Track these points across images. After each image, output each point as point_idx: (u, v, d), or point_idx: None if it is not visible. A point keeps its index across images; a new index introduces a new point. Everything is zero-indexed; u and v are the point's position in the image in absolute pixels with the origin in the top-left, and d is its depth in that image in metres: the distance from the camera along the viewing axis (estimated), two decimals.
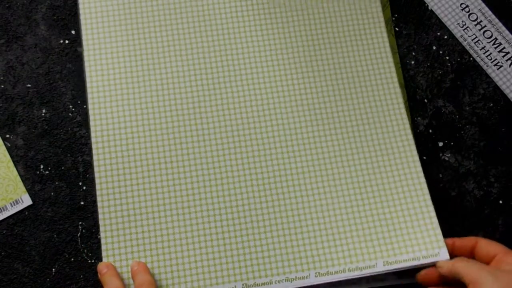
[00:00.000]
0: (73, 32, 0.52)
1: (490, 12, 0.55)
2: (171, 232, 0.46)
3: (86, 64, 0.49)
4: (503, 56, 0.54)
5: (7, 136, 0.49)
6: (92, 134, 0.47)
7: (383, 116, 0.50)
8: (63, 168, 0.49)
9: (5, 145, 0.49)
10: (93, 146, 0.47)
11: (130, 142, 0.47)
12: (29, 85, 0.50)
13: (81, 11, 0.50)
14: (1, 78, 0.50)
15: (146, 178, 0.47)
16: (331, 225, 0.47)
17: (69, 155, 0.49)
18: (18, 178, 0.48)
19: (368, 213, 0.47)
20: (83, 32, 0.50)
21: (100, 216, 0.46)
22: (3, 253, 0.47)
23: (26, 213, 0.48)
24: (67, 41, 0.51)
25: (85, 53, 0.49)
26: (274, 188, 0.47)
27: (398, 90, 0.50)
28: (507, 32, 0.54)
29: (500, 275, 0.40)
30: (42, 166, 0.49)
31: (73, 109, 0.50)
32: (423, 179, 0.48)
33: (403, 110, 0.50)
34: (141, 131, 0.48)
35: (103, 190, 0.46)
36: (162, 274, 0.45)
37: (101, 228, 0.45)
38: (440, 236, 0.46)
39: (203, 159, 0.48)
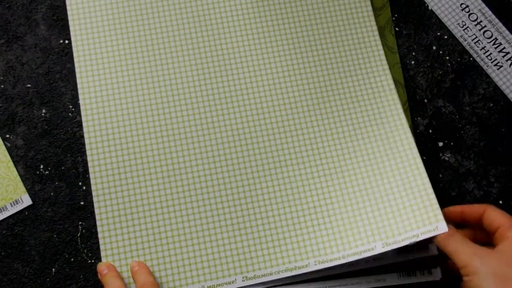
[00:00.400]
0: None
1: (490, 12, 0.55)
2: (168, 229, 0.46)
3: (76, 64, 0.49)
4: (503, 56, 0.54)
5: (7, 136, 0.49)
6: (86, 135, 0.47)
7: (373, 98, 0.50)
8: (63, 168, 0.49)
9: (5, 145, 0.49)
10: (87, 146, 0.47)
11: (124, 141, 0.48)
12: (29, 85, 0.50)
13: (69, 12, 0.50)
14: (1, 78, 0.50)
15: (141, 176, 0.47)
16: (329, 213, 0.47)
17: (69, 155, 0.49)
18: (18, 178, 0.48)
19: (365, 198, 0.47)
20: (72, 32, 0.50)
21: (97, 217, 0.46)
22: (3, 253, 0.47)
23: (26, 213, 0.48)
24: (67, 41, 0.51)
25: (75, 54, 0.49)
26: (270, 180, 0.47)
27: (385, 63, 0.51)
28: (507, 32, 0.54)
29: (490, 257, 0.39)
30: (42, 166, 0.49)
31: (73, 109, 0.50)
32: (417, 154, 0.47)
33: (392, 86, 0.50)
34: (134, 129, 0.48)
35: (98, 190, 0.46)
36: (162, 271, 0.45)
37: (99, 228, 0.45)
38: (438, 210, 0.44)
39: (198, 155, 0.48)
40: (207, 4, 0.51)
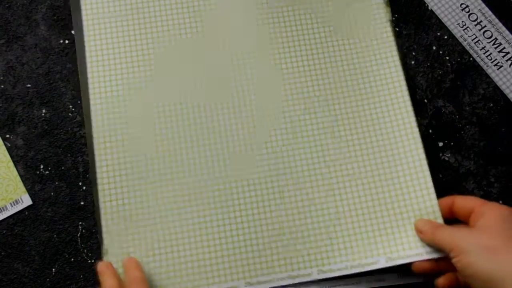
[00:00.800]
0: (73, 32, 0.52)
1: (490, 12, 0.55)
2: (173, 231, 0.46)
3: (88, 63, 0.49)
4: (503, 56, 0.54)
5: (7, 136, 0.49)
6: (94, 135, 0.47)
7: (386, 111, 0.49)
8: (63, 168, 0.49)
9: (5, 145, 0.49)
10: (95, 146, 0.47)
11: (131, 142, 0.47)
12: (29, 85, 0.50)
13: (83, 11, 0.50)
14: (1, 78, 0.50)
15: (150, 177, 0.47)
16: (333, 223, 0.46)
17: (69, 155, 0.49)
18: (18, 178, 0.48)
19: (371, 210, 0.47)
20: (85, 32, 0.50)
21: (103, 217, 0.45)
22: (3, 253, 0.47)
23: (26, 213, 0.48)
24: (67, 41, 0.51)
25: (88, 53, 0.49)
26: (277, 186, 0.47)
27: (403, 83, 0.50)
28: (507, 32, 0.54)
29: (474, 235, 0.40)
30: (42, 166, 0.49)
31: (73, 109, 0.50)
32: (427, 174, 0.47)
33: (409, 106, 0.49)
34: (140, 131, 0.48)
35: (105, 190, 0.46)
36: (163, 274, 0.45)
37: (104, 229, 0.45)
38: None
39: (202, 158, 0.47)
40: (216, 7, 0.51)
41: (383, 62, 0.51)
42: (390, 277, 0.47)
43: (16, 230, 0.48)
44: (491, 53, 0.54)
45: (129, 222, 0.45)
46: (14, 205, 0.48)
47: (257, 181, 0.47)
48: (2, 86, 0.50)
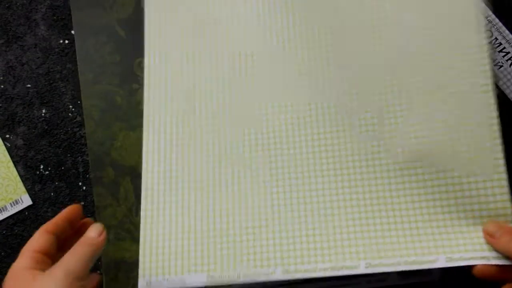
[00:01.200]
0: (73, 32, 0.52)
1: (490, 12, 0.55)
2: (217, 214, 0.44)
3: (146, 75, 0.47)
4: (503, 56, 0.54)
5: (7, 136, 0.49)
6: (144, 146, 0.45)
7: (467, 104, 0.44)
8: (63, 168, 0.49)
9: (5, 145, 0.49)
10: (144, 149, 0.45)
11: (179, 155, 0.45)
12: (29, 85, 0.50)
13: (146, 22, 0.48)
14: (1, 78, 0.50)
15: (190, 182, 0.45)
16: (388, 214, 0.42)
17: (69, 155, 0.49)
18: (18, 178, 0.48)
19: (430, 204, 0.42)
20: (146, 40, 0.48)
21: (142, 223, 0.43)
22: (3, 253, 0.47)
23: (26, 213, 0.48)
24: (67, 41, 0.51)
25: (146, 51, 0.47)
26: (334, 176, 0.44)
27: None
28: (507, 32, 0.54)
29: None
30: (42, 166, 0.49)
31: (73, 109, 0.50)
32: (503, 170, 0.41)
33: (492, 102, 0.44)
34: (192, 144, 0.46)
35: (148, 190, 0.44)
36: (203, 251, 0.43)
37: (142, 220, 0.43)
38: None
39: (266, 151, 0.45)
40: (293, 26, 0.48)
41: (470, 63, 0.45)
42: (390, 277, 0.47)
43: (16, 230, 0.48)
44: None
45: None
46: (14, 205, 0.48)
47: (313, 174, 0.44)
48: (2, 86, 0.50)
